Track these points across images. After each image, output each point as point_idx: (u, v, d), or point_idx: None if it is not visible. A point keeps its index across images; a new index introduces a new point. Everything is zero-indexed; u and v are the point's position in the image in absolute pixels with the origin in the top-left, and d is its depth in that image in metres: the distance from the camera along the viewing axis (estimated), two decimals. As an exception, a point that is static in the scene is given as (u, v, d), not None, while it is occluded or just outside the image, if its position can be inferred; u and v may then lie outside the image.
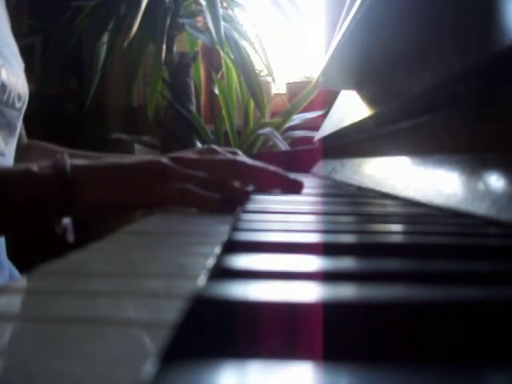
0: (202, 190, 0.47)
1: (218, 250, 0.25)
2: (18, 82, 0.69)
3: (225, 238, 0.28)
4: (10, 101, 0.67)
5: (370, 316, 0.15)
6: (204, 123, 1.95)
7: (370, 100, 0.78)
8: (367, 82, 0.80)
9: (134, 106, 2.20)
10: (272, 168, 0.56)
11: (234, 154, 0.57)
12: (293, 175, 0.59)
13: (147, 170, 0.49)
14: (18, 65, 0.71)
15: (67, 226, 0.55)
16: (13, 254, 0.73)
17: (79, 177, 0.48)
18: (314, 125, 1.63)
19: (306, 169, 1.31)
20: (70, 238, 0.56)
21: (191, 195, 0.47)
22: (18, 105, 0.69)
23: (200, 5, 1.81)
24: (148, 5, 1.66)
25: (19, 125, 0.71)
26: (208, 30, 1.73)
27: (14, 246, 0.76)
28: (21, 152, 0.73)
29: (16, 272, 0.70)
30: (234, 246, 0.25)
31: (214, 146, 0.57)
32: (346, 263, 0.22)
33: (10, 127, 0.68)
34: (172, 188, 0.47)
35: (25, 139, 0.81)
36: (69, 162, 0.48)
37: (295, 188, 0.57)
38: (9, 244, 0.72)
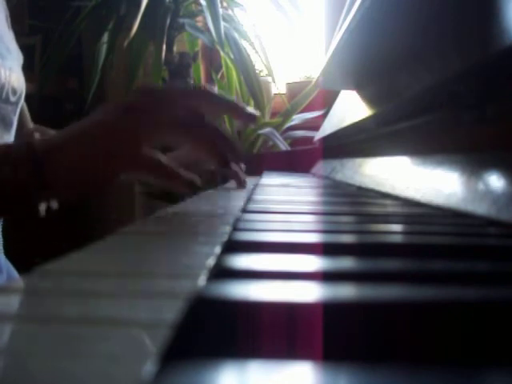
0: (176, 167, 0.45)
1: (218, 249, 0.25)
2: (12, 76, 0.68)
3: (225, 237, 0.28)
4: (4, 95, 0.66)
5: (370, 316, 0.15)
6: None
7: (369, 100, 0.78)
8: (367, 82, 0.80)
9: (134, 106, 2.19)
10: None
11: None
12: (292, 175, 0.59)
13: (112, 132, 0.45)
14: (13, 58, 0.70)
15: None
16: (13, 254, 0.73)
17: (49, 158, 0.45)
18: (314, 125, 1.63)
19: (306, 169, 1.31)
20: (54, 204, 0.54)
21: (161, 168, 0.45)
22: (12, 99, 0.68)
23: (200, 5, 1.81)
24: (148, 5, 1.66)
25: (15, 120, 0.71)
26: (208, 30, 1.73)
27: (14, 246, 0.76)
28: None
29: (14, 272, 0.70)
30: (234, 246, 0.25)
31: (149, 86, 0.51)
32: (346, 263, 0.22)
33: (4, 122, 0.67)
34: (142, 157, 0.45)
35: (30, 125, 0.80)
36: (37, 142, 0.46)
37: (249, 118, 0.52)
38: (9, 244, 0.72)
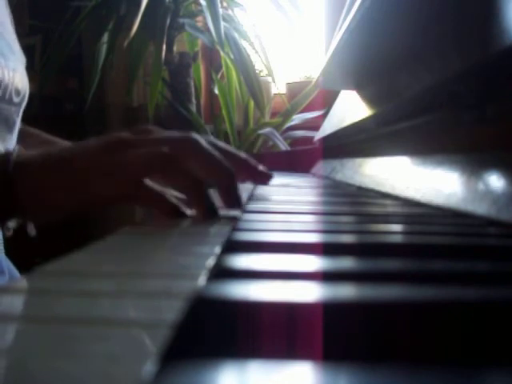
0: (160, 190, 0.41)
1: (218, 249, 0.25)
2: (16, 77, 0.68)
3: (225, 237, 0.28)
4: (7, 96, 0.66)
5: (370, 316, 0.15)
6: (204, 123, 1.95)
7: (369, 100, 0.78)
8: (367, 82, 0.80)
9: (134, 106, 2.20)
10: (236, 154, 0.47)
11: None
12: (292, 175, 0.58)
13: (96, 148, 0.42)
14: (17, 59, 0.70)
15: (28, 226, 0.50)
16: (13, 254, 0.73)
17: (23, 174, 0.42)
18: (314, 125, 1.63)
19: (306, 169, 1.31)
20: (32, 231, 0.52)
21: (148, 192, 0.41)
22: (16, 100, 0.68)
23: (200, 5, 1.81)
24: (148, 5, 1.66)
25: (18, 121, 0.70)
26: (208, 30, 1.73)
27: (15, 246, 0.76)
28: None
29: (15, 272, 0.70)
30: (234, 246, 0.25)
31: (150, 127, 0.46)
32: (346, 263, 0.22)
33: (7, 123, 0.67)
34: (129, 154, 0.41)
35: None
36: (15, 154, 0.43)
37: (264, 179, 0.48)
38: (9, 244, 0.72)
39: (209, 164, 0.42)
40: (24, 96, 0.70)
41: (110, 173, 0.41)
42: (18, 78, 0.68)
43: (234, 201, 0.42)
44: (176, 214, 0.41)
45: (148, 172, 0.41)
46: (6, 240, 0.71)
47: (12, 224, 0.47)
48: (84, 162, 0.42)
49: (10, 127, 0.68)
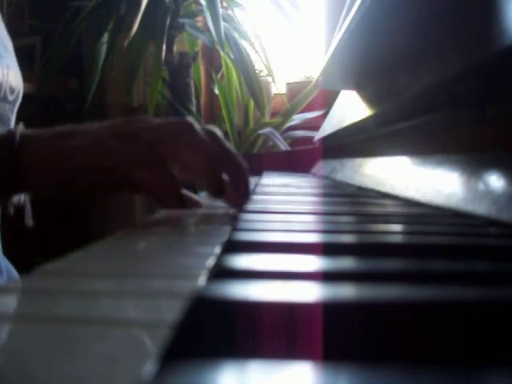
0: (170, 175, 0.41)
1: (218, 249, 0.25)
2: (10, 75, 0.68)
3: (225, 237, 0.28)
4: (1, 94, 0.66)
5: (370, 316, 0.15)
6: (204, 123, 1.95)
7: (369, 100, 0.78)
8: (367, 82, 0.80)
9: (133, 106, 2.20)
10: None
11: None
12: (292, 175, 0.58)
13: (105, 129, 0.43)
14: (10, 57, 0.70)
15: (25, 207, 0.51)
16: (13, 254, 0.73)
17: (28, 145, 0.43)
18: (314, 125, 1.63)
19: (306, 169, 1.31)
20: (29, 221, 0.52)
21: (156, 170, 0.41)
22: (10, 98, 0.68)
23: (200, 5, 1.81)
24: (148, 5, 1.66)
25: (13, 118, 0.70)
26: (208, 30, 1.73)
27: (15, 247, 0.76)
28: None
29: (14, 272, 0.70)
30: (234, 246, 0.25)
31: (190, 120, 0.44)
32: (346, 263, 0.22)
33: (2, 121, 0.67)
34: (133, 149, 0.41)
35: None
36: (21, 131, 0.44)
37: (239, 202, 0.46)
38: (9, 244, 0.72)
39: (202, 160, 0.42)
40: (18, 94, 0.70)
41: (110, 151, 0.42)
42: (12, 76, 0.68)
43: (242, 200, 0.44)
44: (179, 201, 0.41)
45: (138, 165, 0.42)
46: (6, 240, 0.71)
47: (16, 199, 0.47)
48: (85, 135, 0.43)
49: (4, 125, 0.68)
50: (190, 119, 0.44)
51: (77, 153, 0.43)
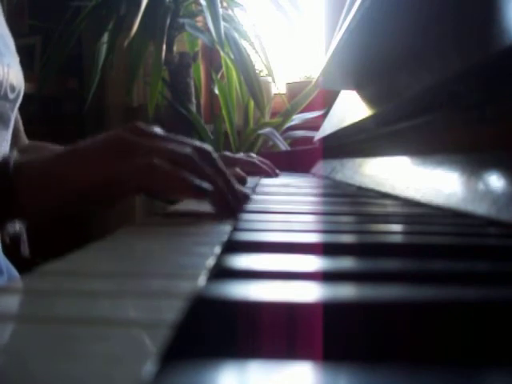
0: (171, 166, 0.40)
1: (218, 249, 0.25)
2: (11, 73, 0.67)
3: (225, 237, 0.28)
4: (2, 92, 0.66)
5: (370, 316, 0.15)
6: (204, 123, 1.95)
7: (369, 100, 0.78)
8: (367, 82, 0.80)
9: (133, 106, 2.20)
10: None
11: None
12: (292, 175, 0.58)
13: (98, 147, 0.42)
14: (11, 55, 0.70)
15: (21, 235, 0.50)
16: (13, 254, 0.73)
17: (22, 172, 0.42)
18: (314, 125, 1.63)
19: (306, 169, 1.31)
20: (25, 251, 0.51)
21: (157, 172, 0.39)
22: (11, 96, 0.68)
23: (200, 5, 1.81)
24: (148, 5, 1.66)
25: (13, 117, 0.70)
26: (208, 30, 1.73)
27: (15, 247, 0.75)
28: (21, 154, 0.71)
29: (14, 271, 0.70)
30: (234, 246, 0.25)
31: (149, 127, 0.45)
32: (346, 263, 0.22)
33: (2, 119, 0.66)
34: (133, 164, 0.40)
35: (25, 140, 0.80)
36: (14, 158, 0.43)
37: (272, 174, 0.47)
38: (9, 244, 0.72)
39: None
40: (19, 92, 0.70)
41: (108, 176, 0.41)
42: (13, 74, 0.68)
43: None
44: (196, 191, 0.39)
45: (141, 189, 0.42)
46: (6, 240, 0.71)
47: (11, 228, 0.46)
48: (82, 159, 0.42)
49: (5, 123, 0.67)
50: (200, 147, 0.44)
51: (74, 175, 0.42)
